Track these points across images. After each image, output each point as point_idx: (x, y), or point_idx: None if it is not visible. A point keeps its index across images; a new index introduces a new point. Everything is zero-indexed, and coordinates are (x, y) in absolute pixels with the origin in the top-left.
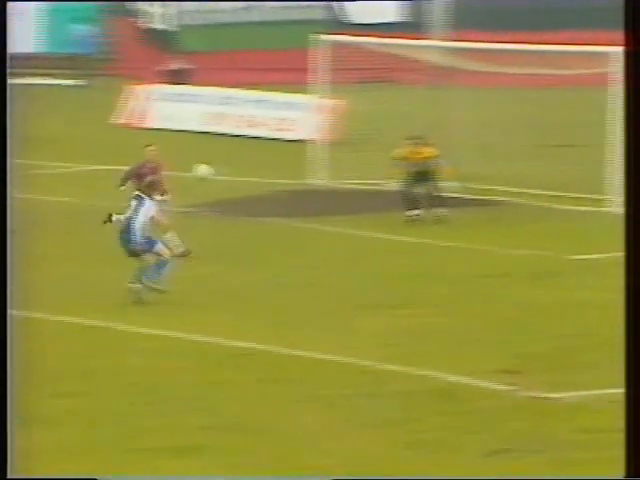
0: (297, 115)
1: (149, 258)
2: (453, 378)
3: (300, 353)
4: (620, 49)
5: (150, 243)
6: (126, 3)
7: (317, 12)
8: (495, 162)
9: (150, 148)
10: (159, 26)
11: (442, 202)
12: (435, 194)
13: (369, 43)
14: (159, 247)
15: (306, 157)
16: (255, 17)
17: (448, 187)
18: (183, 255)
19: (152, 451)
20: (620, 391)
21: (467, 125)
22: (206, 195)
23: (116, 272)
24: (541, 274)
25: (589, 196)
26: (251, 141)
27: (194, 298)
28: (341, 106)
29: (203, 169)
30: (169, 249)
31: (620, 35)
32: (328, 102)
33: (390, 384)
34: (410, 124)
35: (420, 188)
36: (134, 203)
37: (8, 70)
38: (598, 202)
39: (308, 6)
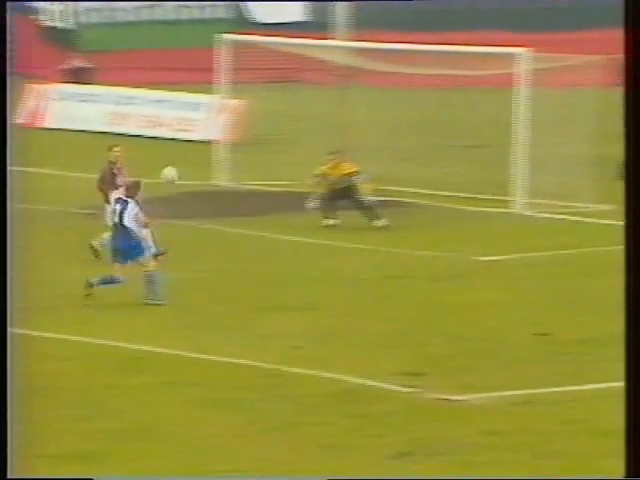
0: (201, 115)
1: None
2: (358, 380)
3: (204, 356)
4: (524, 50)
5: (139, 249)
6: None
7: (222, 11)
8: (403, 163)
9: (115, 149)
10: (59, 24)
11: (373, 213)
12: (363, 206)
13: (274, 43)
14: (145, 258)
15: (210, 158)
16: (159, 15)
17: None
18: (158, 255)
19: (55, 457)
20: (522, 392)
21: (374, 126)
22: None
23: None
24: (447, 275)
25: (496, 197)
26: (154, 141)
27: (94, 301)
28: (245, 106)
29: (171, 172)
30: (153, 260)
31: (524, 36)
32: (232, 102)
33: (295, 387)
34: (315, 125)
35: (340, 202)
36: (118, 207)
37: (8, 70)
38: (504, 203)
39: (213, 5)
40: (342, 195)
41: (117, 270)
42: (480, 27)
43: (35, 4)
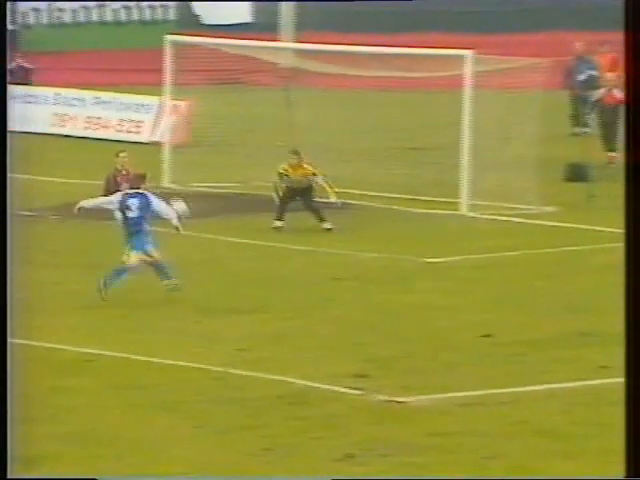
0: (146, 117)
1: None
2: (304, 383)
3: (151, 359)
4: (470, 52)
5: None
6: None
7: (173, 13)
8: (349, 165)
9: (121, 155)
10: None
11: (319, 215)
12: (312, 209)
13: (220, 44)
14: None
15: (155, 159)
16: (108, 17)
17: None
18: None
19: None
20: (467, 394)
21: (319, 128)
22: (51, 198)
23: None
24: (393, 277)
25: (441, 199)
26: (98, 143)
27: (36, 303)
28: (191, 108)
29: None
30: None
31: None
32: (178, 103)
33: (242, 390)
34: (261, 126)
35: (295, 202)
36: (130, 200)
37: (8, 70)
38: (450, 205)
39: (164, 6)
40: (299, 195)
41: (132, 259)
42: (426, 29)
43: None
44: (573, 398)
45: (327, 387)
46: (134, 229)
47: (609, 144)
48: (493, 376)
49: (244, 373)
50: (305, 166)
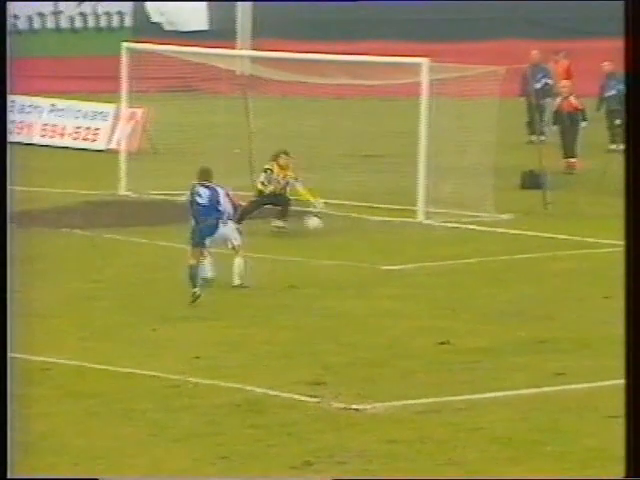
0: (103, 124)
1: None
2: (260, 390)
3: (105, 367)
4: (426, 60)
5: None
6: None
7: (129, 19)
8: (305, 172)
9: None
10: None
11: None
12: (282, 210)
13: (176, 52)
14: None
15: (111, 167)
16: (64, 23)
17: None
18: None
19: None
20: (423, 401)
21: (276, 135)
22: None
23: None
24: (350, 284)
25: (398, 207)
26: (54, 151)
27: None
28: (147, 115)
29: (314, 221)
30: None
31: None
32: (135, 111)
33: (197, 397)
34: (218, 134)
35: (260, 208)
36: (207, 192)
37: (8, 69)
38: (406, 212)
39: (120, 13)
40: (272, 197)
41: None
42: (383, 37)
43: None
44: (529, 405)
45: (284, 395)
46: (202, 218)
47: (568, 151)
48: (449, 383)
49: (200, 381)
50: (290, 171)
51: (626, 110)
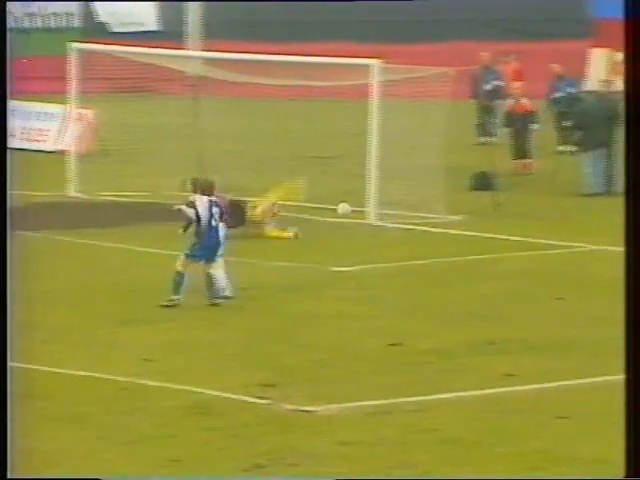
0: (52, 125)
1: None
2: (210, 392)
3: (55, 369)
4: (377, 61)
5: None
6: None
7: (78, 20)
8: (256, 174)
9: None
10: None
11: None
12: None
13: (126, 52)
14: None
15: (60, 168)
16: (10, 23)
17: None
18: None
19: None
20: (375, 403)
21: (227, 137)
22: None
23: None
24: (301, 286)
25: (351, 208)
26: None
27: None
28: (97, 116)
29: (345, 207)
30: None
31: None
32: (84, 112)
33: (148, 400)
34: (168, 135)
35: None
36: (214, 209)
37: (8, 69)
38: (357, 214)
39: (68, 14)
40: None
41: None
42: (333, 38)
43: None
44: (479, 406)
45: (235, 397)
46: (212, 236)
47: (520, 152)
48: (400, 384)
49: (150, 383)
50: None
51: (626, 109)
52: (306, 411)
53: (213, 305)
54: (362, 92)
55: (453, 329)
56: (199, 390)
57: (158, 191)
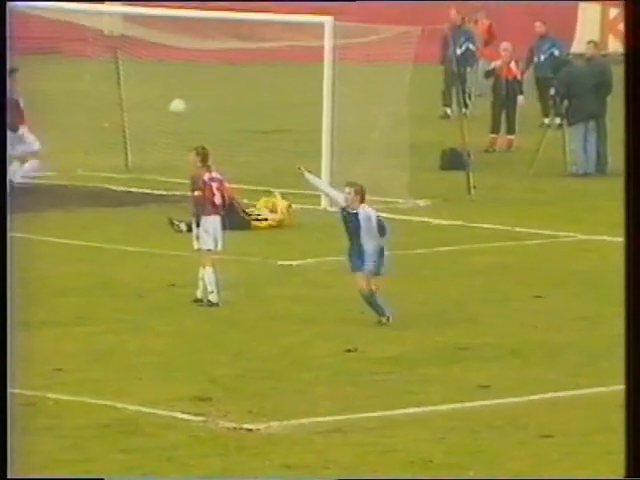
0: None
1: None
2: (134, 408)
3: None
4: (331, 19)
5: None
6: None
7: None
8: (184, 151)
9: None
10: None
11: None
12: None
13: (35, 7)
14: None
15: None
16: None
17: None
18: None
19: None
20: (326, 419)
21: (149, 107)
22: None
23: None
24: (239, 283)
25: (297, 191)
26: None
27: None
28: None
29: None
30: None
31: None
32: None
33: (60, 418)
34: (85, 104)
35: None
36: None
37: (8, 69)
38: (309, 198)
39: None
40: None
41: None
42: None
43: None
44: (448, 423)
45: (162, 413)
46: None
47: (502, 126)
48: (356, 398)
49: (63, 397)
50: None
51: (626, 109)
52: (247, 429)
53: (136, 305)
54: (312, 55)
55: (417, 333)
56: (119, 405)
57: (70, 171)
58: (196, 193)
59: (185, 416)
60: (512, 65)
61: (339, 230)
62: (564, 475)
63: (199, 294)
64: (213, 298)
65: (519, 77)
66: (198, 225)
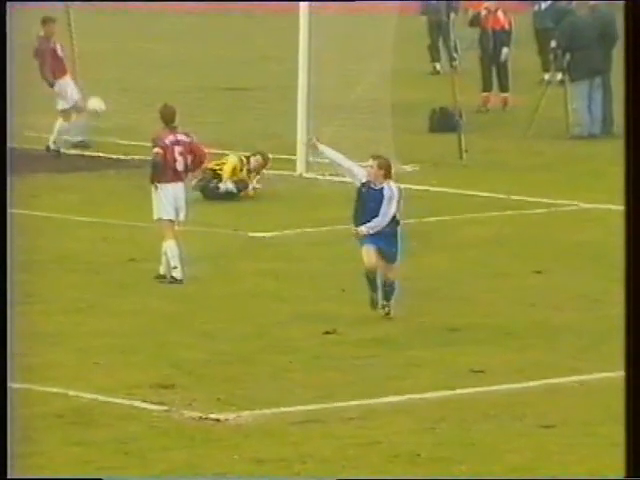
0: None
1: None
2: (90, 396)
3: None
4: None
5: None
6: None
7: None
8: (148, 110)
9: None
10: None
11: None
12: None
13: None
14: None
15: None
16: None
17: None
18: None
19: None
20: (301, 408)
21: (109, 58)
22: None
23: None
24: (209, 257)
25: (272, 155)
26: None
27: None
28: None
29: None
30: None
31: None
32: None
33: (8, 407)
34: (28, 59)
35: None
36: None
37: (8, 70)
38: (284, 163)
39: None
40: None
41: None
42: None
43: None
44: (437, 412)
45: (121, 401)
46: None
47: (492, 83)
48: (336, 385)
49: (11, 385)
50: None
51: (625, 104)
52: (215, 420)
53: (92, 281)
54: (286, 6)
55: (404, 313)
56: (73, 393)
57: (12, 134)
58: (154, 150)
59: (146, 405)
60: (499, 14)
61: (317, 199)
62: (565, 470)
63: (162, 270)
64: (177, 274)
65: (507, 27)
66: (157, 190)
